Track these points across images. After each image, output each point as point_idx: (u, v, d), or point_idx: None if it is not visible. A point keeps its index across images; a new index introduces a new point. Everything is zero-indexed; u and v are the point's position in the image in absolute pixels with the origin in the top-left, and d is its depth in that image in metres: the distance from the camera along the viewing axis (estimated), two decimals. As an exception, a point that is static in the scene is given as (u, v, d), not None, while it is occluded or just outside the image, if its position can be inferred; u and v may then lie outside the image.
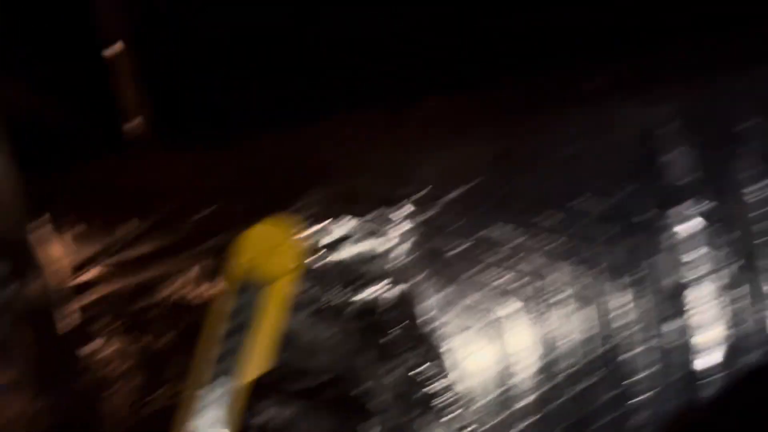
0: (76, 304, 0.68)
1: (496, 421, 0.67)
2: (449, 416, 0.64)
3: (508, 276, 0.68)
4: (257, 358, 0.39)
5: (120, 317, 0.66)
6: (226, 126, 0.81)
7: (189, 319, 0.64)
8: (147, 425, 0.48)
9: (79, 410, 0.66)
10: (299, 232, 0.39)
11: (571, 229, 0.69)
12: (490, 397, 0.67)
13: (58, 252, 0.70)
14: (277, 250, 0.38)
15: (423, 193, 0.69)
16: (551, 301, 0.68)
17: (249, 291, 0.38)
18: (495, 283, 0.68)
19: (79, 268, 0.69)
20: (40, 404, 0.70)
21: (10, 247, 0.67)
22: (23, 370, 0.69)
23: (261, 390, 0.41)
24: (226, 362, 0.38)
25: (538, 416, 0.68)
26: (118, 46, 0.87)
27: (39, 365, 0.68)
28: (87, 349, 0.65)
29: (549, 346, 0.68)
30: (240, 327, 0.38)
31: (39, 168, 0.80)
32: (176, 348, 0.62)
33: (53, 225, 0.71)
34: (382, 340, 0.63)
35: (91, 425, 0.65)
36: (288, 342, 0.59)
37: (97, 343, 0.65)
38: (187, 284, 0.67)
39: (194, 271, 0.68)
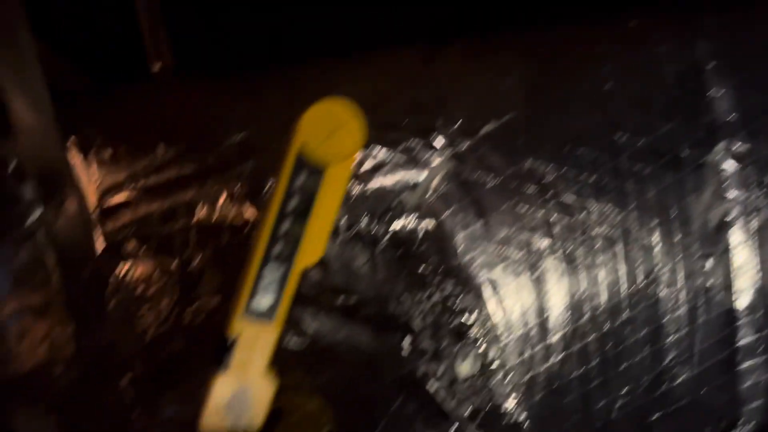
0: (105, 228, 0.68)
1: (524, 357, 0.67)
2: (479, 349, 0.64)
3: (542, 211, 0.67)
4: (312, 245, 0.38)
5: (149, 240, 0.65)
6: (257, 57, 0.80)
7: (217, 243, 0.65)
8: (178, 343, 0.48)
9: (109, 332, 0.67)
10: (360, 114, 0.37)
11: (605, 165, 0.68)
12: (520, 332, 0.67)
13: (86, 176, 0.69)
14: (339, 131, 0.37)
15: (457, 126, 0.68)
16: (584, 237, 0.67)
17: (307, 173, 0.37)
18: (528, 218, 0.67)
19: (108, 192, 0.69)
20: (70, 327, 0.70)
21: (43, 170, 0.66)
22: (53, 293, 0.69)
23: (302, 299, 0.41)
24: (280, 246, 0.37)
25: (566, 353, 0.68)
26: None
27: (69, 288, 0.68)
28: (116, 272, 0.65)
29: (581, 282, 0.67)
30: (296, 210, 0.37)
31: (68, 94, 0.79)
32: (205, 270, 0.62)
33: (82, 150, 0.70)
34: (416, 270, 0.62)
35: (122, 347, 0.65)
36: (325, 263, 0.59)
37: (127, 265, 0.65)
38: (215, 209, 0.67)
39: (222, 196, 0.67)
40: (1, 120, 0.67)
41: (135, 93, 0.77)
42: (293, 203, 0.37)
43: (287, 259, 0.38)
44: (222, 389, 0.38)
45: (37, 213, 0.70)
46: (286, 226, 0.38)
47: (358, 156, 0.39)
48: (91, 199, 0.69)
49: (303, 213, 0.38)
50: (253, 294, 0.38)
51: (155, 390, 0.43)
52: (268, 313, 0.38)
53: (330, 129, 0.37)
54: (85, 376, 0.52)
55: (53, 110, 0.68)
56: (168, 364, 0.46)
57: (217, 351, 0.39)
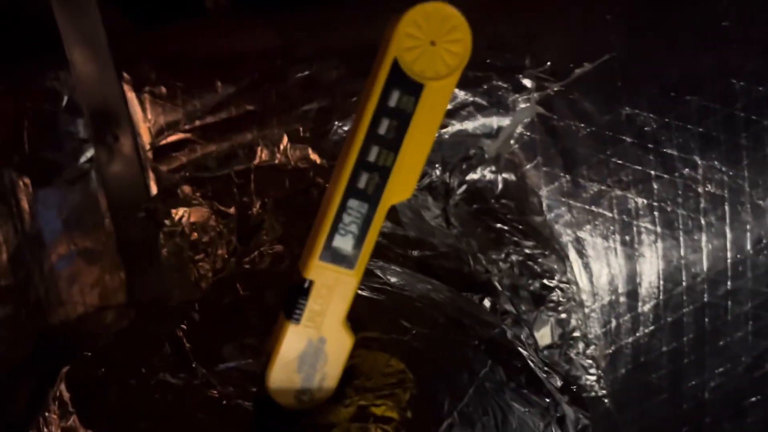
0: (159, 169, 0.64)
1: (610, 327, 0.61)
2: (560, 315, 0.58)
3: (639, 165, 0.59)
4: (403, 178, 0.32)
5: (205, 184, 0.61)
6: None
7: (279, 189, 0.60)
8: (237, 293, 0.43)
9: (162, 280, 0.63)
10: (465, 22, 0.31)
11: (716, 115, 0.60)
12: (606, 300, 0.61)
13: (140, 115, 0.65)
14: (443, 40, 0.30)
15: (546, 66, 0.61)
16: (687, 196, 0.59)
17: (402, 90, 0.30)
18: (623, 173, 0.59)
19: (162, 132, 0.65)
20: (122, 274, 0.67)
21: (96, 106, 0.62)
22: (106, 237, 0.66)
23: (376, 248, 0.35)
24: (365, 179, 0.31)
25: (657, 326, 0.61)
26: None
27: (121, 232, 0.65)
28: (170, 217, 0.61)
29: (680, 247, 0.60)
30: (387, 136, 0.31)
31: (121, 31, 0.75)
32: (265, 218, 0.57)
33: (135, 87, 0.66)
34: (494, 226, 0.56)
35: (175, 295, 0.61)
36: (394, 213, 0.53)
37: (181, 210, 0.61)
38: (276, 152, 0.62)
39: (285, 138, 0.62)
40: (55, 51, 0.63)
41: (191, 29, 0.72)
42: (384, 127, 0.31)
43: (373, 194, 0.32)
44: (293, 341, 0.33)
45: (89, 152, 0.66)
46: (373, 154, 0.32)
47: (459, 75, 0.32)
48: (145, 138, 0.65)
49: (395, 139, 0.32)
50: (331, 235, 0.32)
51: (214, 341, 0.38)
52: (348, 258, 0.33)
53: (432, 36, 0.30)
54: (138, 324, 0.48)
55: (107, 44, 0.64)
56: (227, 314, 0.42)
57: (288, 298, 0.34)
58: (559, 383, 0.44)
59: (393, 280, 0.43)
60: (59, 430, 0.35)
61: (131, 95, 0.66)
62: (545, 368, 0.44)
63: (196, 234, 0.61)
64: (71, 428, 0.34)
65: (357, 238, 0.33)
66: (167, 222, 0.63)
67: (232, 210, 0.59)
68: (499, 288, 0.52)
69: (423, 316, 0.40)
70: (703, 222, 0.60)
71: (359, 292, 0.40)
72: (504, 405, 0.37)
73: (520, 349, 0.42)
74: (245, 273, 0.47)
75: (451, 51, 0.31)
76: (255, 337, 0.38)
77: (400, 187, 0.33)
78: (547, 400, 0.40)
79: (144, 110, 0.66)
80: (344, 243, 0.33)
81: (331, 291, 0.33)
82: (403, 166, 0.32)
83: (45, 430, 0.36)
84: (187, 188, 0.62)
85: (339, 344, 0.34)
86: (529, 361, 0.42)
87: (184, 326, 0.39)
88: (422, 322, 0.39)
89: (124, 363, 0.37)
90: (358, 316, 0.37)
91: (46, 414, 0.37)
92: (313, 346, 0.34)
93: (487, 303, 0.49)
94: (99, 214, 0.67)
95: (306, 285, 0.33)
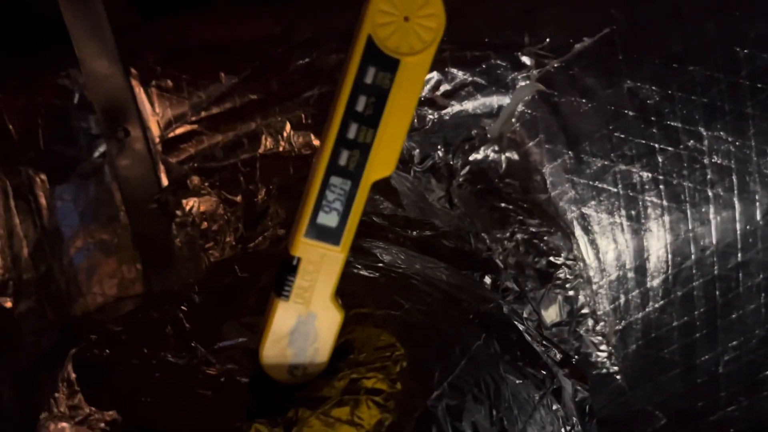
0: (168, 161, 0.65)
1: (618, 303, 0.61)
2: (567, 292, 0.58)
3: (643, 139, 0.59)
4: (383, 154, 0.32)
5: (212, 173, 0.62)
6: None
7: (283, 175, 0.61)
8: (237, 274, 0.44)
9: (176, 270, 0.65)
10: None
11: (720, 84, 0.59)
12: (614, 275, 0.60)
13: (148, 108, 0.67)
14: (417, 14, 0.31)
15: (544, 44, 0.61)
16: (693, 168, 0.59)
17: (378, 66, 0.31)
18: (627, 147, 0.59)
19: (170, 124, 0.66)
20: (138, 265, 0.69)
21: (106, 102, 0.64)
22: (121, 230, 0.68)
23: (372, 230, 0.36)
24: (346, 156, 0.32)
25: (667, 300, 0.60)
26: None
27: (135, 225, 0.67)
28: (181, 207, 0.63)
29: (687, 220, 0.59)
30: (365, 113, 0.32)
31: (125, 25, 0.76)
32: (270, 204, 0.58)
33: (142, 81, 0.67)
34: (498, 205, 0.56)
35: (189, 279, 0.63)
36: (396, 196, 0.54)
37: (192, 200, 0.62)
38: (279, 139, 0.63)
39: (286, 125, 0.63)
40: (66, 48, 0.65)
41: (193, 22, 0.73)
42: (361, 104, 0.32)
43: (355, 170, 0.33)
44: (284, 317, 0.34)
45: (102, 147, 0.68)
46: (353, 131, 0.32)
47: (434, 50, 0.32)
48: (154, 131, 0.66)
49: (373, 116, 0.32)
50: (315, 212, 0.33)
51: (213, 321, 0.40)
52: (334, 234, 0.33)
53: (406, 12, 0.31)
54: (142, 308, 0.49)
55: (114, 41, 0.65)
56: (226, 295, 0.43)
57: (277, 276, 0.35)
58: (558, 357, 0.44)
59: (389, 258, 0.43)
60: (66, 409, 0.36)
61: (139, 90, 0.67)
62: (544, 342, 0.44)
63: (206, 223, 0.63)
64: (77, 406, 0.36)
65: (341, 215, 0.34)
66: (179, 213, 0.64)
67: (238, 198, 0.60)
68: (501, 266, 0.52)
69: (417, 292, 0.41)
70: (710, 194, 0.59)
71: (354, 270, 0.41)
72: (497, 377, 0.38)
73: (516, 323, 0.42)
74: (244, 255, 0.48)
75: (424, 26, 0.31)
76: (253, 315, 0.39)
77: (382, 163, 0.33)
78: (543, 373, 0.41)
79: (152, 104, 0.67)
80: (329, 220, 0.34)
81: (318, 267, 0.34)
82: (383, 142, 0.33)
83: (54, 409, 0.38)
84: (196, 179, 0.64)
85: (329, 319, 0.35)
86: (526, 335, 0.42)
87: (184, 308, 0.40)
88: (416, 297, 0.40)
89: (128, 344, 0.39)
90: (352, 293, 0.37)
91: (55, 394, 0.38)
92: (303, 321, 0.35)
93: (487, 280, 0.49)
94: (114, 208, 0.69)
95: (294, 262, 0.34)
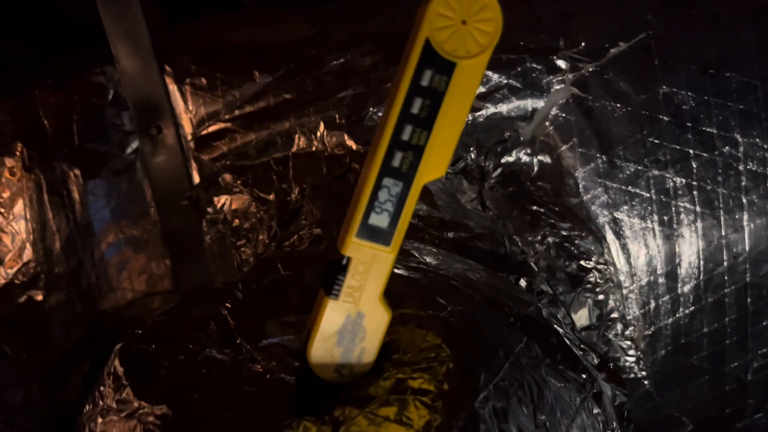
0: (201, 159, 0.66)
1: (648, 308, 0.60)
2: (597, 296, 0.58)
3: (677, 145, 0.59)
4: (436, 157, 0.32)
5: (245, 172, 0.63)
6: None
7: (316, 175, 0.61)
8: (278, 273, 0.45)
9: (205, 266, 0.65)
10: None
11: (757, 92, 0.58)
12: (645, 280, 0.60)
13: (182, 106, 0.67)
14: (474, 18, 0.31)
15: (579, 48, 0.61)
16: (727, 174, 0.58)
17: (434, 69, 0.31)
18: (661, 152, 0.59)
19: (203, 122, 0.67)
20: (168, 261, 0.69)
21: (140, 99, 0.65)
22: (151, 226, 0.68)
23: (410, 230, 0.36)
24: (400, 157, 0.32)
25: (697, 306, 0.60)
26: None
27: (166, 221, 0.67)
28: (213, 204, 0.63)
29: (720, 226, 0.59)
30: (420, 115, 0.32)
31: (160, 24, 0.77)
32: (303, 203, 0.59)
33: (176, 79, 0.68)
34: (530, 208, 0.56)
35: (219, 278, 0.64)
36: (429, 197, 0.54)
37: (223, 197, 0.63)
38: (312, 138, 0.63)
39: (320, 125, 0.63)
40: (101, 47, 0.66)
41: (228, 21, 0.73)
42: (417, 106, 0.32)
43: (408, 172, 0.33)
44: (332, 316, 0.34)
45: (134, 143, 0.68)
46: (407, 133, 0.32)
47: (490, 54, 0.33)
48: (187, 129, 0.67)
49: (428, 118, 0.32)
50: (367, 212, 0.33)
51: (257, 318, 0.40)
52: (384, 235, 0.34)
53: (464, 16, 0.31)
54: (184, 304, 0.50)
55: (150, 39, 0.66)
56: (269, 292, 0.43)
57: (327, 275, 0.35)
58: (596, 360, 0.44)
59: (428, 260, 0.44)
60: (114, 403, 0.37)
61: (173, 87, 0.68)
62: (582, 346, 0.44)
63: (237, 221, 0.63)
64: (125, 400, 0.36)
65: (392, 216, 0.34)
66: (210, 210, 0.65)
67: (271, 197, 0.61)
68: (535, 269, 0.53)
69: (459, 294, 0.41)
70: (744, 200, 0.59)
71: (396, 270, 0.41)
72: (540, 380, 0.38)
73: (555, 326, 0.42)
74: (286, 254, 0.49)
75: (482, 30, 0.31)
76: (296, 314, 0.39)
77: (434, 165, 0.33)
78: (584, 376, 0.41)
79: (185, 102, 0.68)
80: (380, 220, 0.34)
81: (368, 267, 0.34)
82: (436, 144, 0.33)
83: (101, 402, 0.38)
84: (228, 176, 0.64)
85: (377, 319, 0.35)
86: (565, 339, 0.42)
87: (228, 305, 0.40)
88: (458, 299, 0.40)
89: (173, 340, 0.39)
90: (395, 294, 0.38)
91: (101, 388, 0.39)
92: (352, 321, 0.35)
93: (523, 283, 0.49)
94: (145, 204, 0.70)
95: (344, 262, 0.34)
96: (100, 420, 0.36)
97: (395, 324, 0.37)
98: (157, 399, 0.35)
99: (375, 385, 0.35)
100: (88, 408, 0.39)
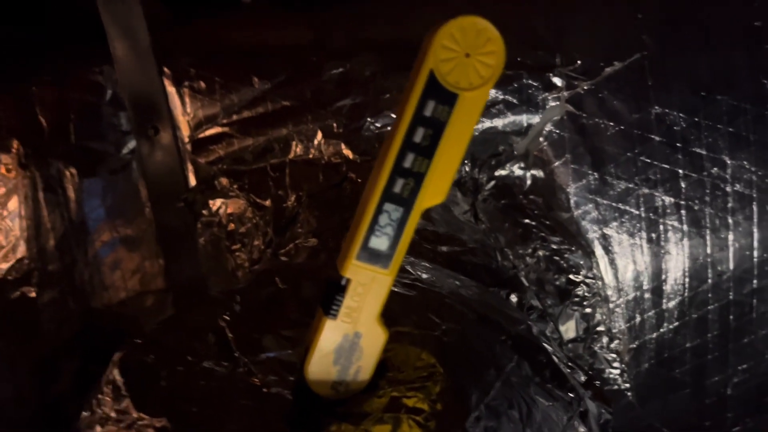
0: (197, 161, 0.66)
1: (634, 322, 0.62)
2: (584, 309, 0.59)
3: (663, 166, 0.60)
4: (436, 184, 0.33)
5: (242, 176, 0.63)
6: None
7: (313, 183, 0.62)
8: (275, 286, 0.45)
9: (199, 268, 0.66)
10: (498, 34, 0.32)
11: (747, 114, 0.60)
12: (632, 295, 0.62)
13: (180, 108, 0.68)
14: (478, 51, 0.32)
15: (575, 66, 0.62)
16: (715, 195, 0.60)
17: (437, 99, 0.32)
18: (651, 171, 0.60)
19: (201, 125, 0.67)
20: (161, 261, 0.70)
21: (138, 100, 0.65)
22: (146, 226, 0.69)
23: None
24: (401, 184, 0.33)
25: (681, 322, 0.62)
26: None
27: (160, 221, 0.68)
28: (208, 207, 0.64)
29: (706, 245, 0.61)
30: (422, 143, 0.33)
31: (160, 25, 0.77)
32: (299, 211, 0.59)
33: (175, 82, 0.68)
34: (521, 221, 0.57)
35: (213, 284, 0.64)
36: (429, 209, 0.55)
37: (219, 201, 0.63)
38: (309, 146, 0.64)
39: (317, 133, 0.64)
40: (100, 45, 0.66)
41: (228, 24, 0.73)
42: (419, 135, 0.33)
43: (408, 198, 0.34)
44: (330, 335, 0.35)
45: (131, 143, 0.69)
46: (409, 160, 0.33)
47: (492, 86, 0.34)
48: (184, 131, 0.67)
49: (429, 147, 0.33)
50: (367, 236, 0.34)
51: (255, 332, 0.41)
52: (384, 258, 0.35)
53: (467, 49, 0.32)
54: (182, 313, 0.50)
55: (149, 40, 0.66)
56: (267, 306, 0.44)
57: (326, 295, 0.36)
58: (582, 378, 0.46)
59: (423, 276, 0.45)
60: (113, 412, 0.38)
61: (171, 89, 0.68)
62: (569, 363, 0.45)
63: (233, 225, 0.64)
64: (125, 411, 0.37)
65: (392, 240, 0.35)
66: (205, 212, 0.65)
67: (267, 202, 0.61)
68: (526, 283, 0.54)
69: (452, 312, 0.42)
70: (730, 221, 0.60)
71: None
72: (529, 399, 0.39)
73: (545, 344, 0.43)
74: (283, 266, 0.49)
75: (484, 63, 0.32)
76: (293, 328, 0.40)
77: (434, 192, 0.34)
78: (571, 395, 0.42)
79: (183, 104, 0.68)
80: (380, 244, 0.35)
81: (367, 289, 0.35)
82: (437, 172, 0.34)
83: (99, 410, 0.39)
84: (224, 180, 0.65)
85: (374, 339, 0.36)
86: (554, 357, 0.43)
87: (226, 317, 0.41)
88: (451, 317, 0.41)
89: (172, 350, 0.40)
90: (390, 312, 0.39)
91: (99, 396, 0.39)
92: (349, 340, 0.36)
93: (513, 299, 0.51)
94: (140, 203, 0.70)
95: (343, 283, 0.35)
96: (98, 429, 0.37)
97: (390, 341, 0.38)
98: (156, 411, 0.36)
99: (370, 402, 0.36)
100: (85, 415, 0.40)
